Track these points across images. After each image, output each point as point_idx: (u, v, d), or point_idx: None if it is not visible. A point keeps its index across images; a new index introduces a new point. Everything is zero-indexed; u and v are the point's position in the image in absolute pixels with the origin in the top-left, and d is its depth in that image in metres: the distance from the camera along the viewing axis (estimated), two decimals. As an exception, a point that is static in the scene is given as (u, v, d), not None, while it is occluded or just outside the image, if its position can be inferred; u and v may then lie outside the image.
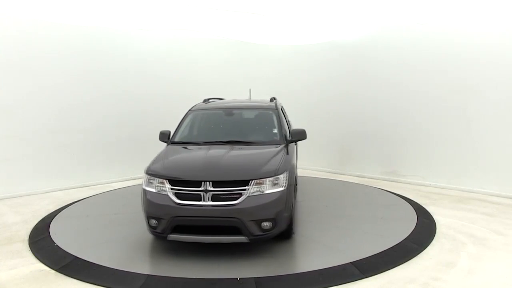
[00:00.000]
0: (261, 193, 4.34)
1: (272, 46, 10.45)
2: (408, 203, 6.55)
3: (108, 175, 8.42)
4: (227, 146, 5.18)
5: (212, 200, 4.28)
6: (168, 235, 4.38)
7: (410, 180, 8.19)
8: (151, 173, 4.64)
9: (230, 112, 6.25)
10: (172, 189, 4.41)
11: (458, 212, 6.12)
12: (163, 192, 4.43)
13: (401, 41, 8.21)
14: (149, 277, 3.98)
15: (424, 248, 4.65)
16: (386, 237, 4.93)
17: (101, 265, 4.25)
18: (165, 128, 5.93)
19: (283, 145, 5.28)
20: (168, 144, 5.62)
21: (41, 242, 5.01)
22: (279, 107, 6.23)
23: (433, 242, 4.87)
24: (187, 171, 4.67)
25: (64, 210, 6.43)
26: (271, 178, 4.41)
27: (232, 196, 4.29)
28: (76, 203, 6.84)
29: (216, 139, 5.56)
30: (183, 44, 9.46)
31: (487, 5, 7.05)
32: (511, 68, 6.85)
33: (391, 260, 4.31)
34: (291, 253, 4.70)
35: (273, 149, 5.09)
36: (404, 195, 7.07)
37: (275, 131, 5.68)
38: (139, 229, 5.16)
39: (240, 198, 4.27)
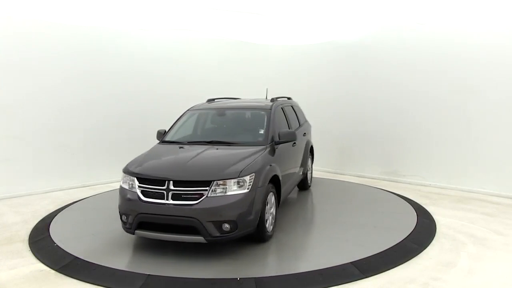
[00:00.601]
0: (223, 194, 4.32)
1: (272, 46, 10.46)
2: (408, 203, 6.55)
3: (108, 175, 8.41)
4: (206, 146, 5.18)
5: (173, 199, 4.34)
6: (135, 230, 4.52)
7: (410, 180, 8.20)
8: (125, 171, 4.83)
9: (222, 112, 6.24)
10: (139, 186, 4.54)
11: (458, 212, 6.12)
12: (133, 190, 4.58)
13: (401, 41, 8.21)
14: (149, 277, 3.98)
15: (424, 248, 4.65)
16: (385, 238, 4.92)
17: (101, 265, 4.25)
18: (165, 128, 5.94)
19: (265, 146, 5.18)
20: (159, 143, 5.69)
21: (41, 242, 5.01)
22: (276, 108, 6.04)
23: (433, 242, 4.87)
24: (152, 169, 4.76)
25: (64, 210, 6.43)
26: (234, 180, 4.38)
27: (192, 196, 4.31)
28: (76, 203, 6.84)
29: (201, 139, 5.62)
30: (183, 44, 9.45)
31: (487, 5, 7.05)
32: (511, 68, 6.86)
33: (391, 260, 4.31)
34: (291, 253, 4.69)
35: (251, 150, 5.00)
36: (404, 195, 7.07)
37: (262, 132, 5.60)
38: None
39: (200, 199, 4.29)
